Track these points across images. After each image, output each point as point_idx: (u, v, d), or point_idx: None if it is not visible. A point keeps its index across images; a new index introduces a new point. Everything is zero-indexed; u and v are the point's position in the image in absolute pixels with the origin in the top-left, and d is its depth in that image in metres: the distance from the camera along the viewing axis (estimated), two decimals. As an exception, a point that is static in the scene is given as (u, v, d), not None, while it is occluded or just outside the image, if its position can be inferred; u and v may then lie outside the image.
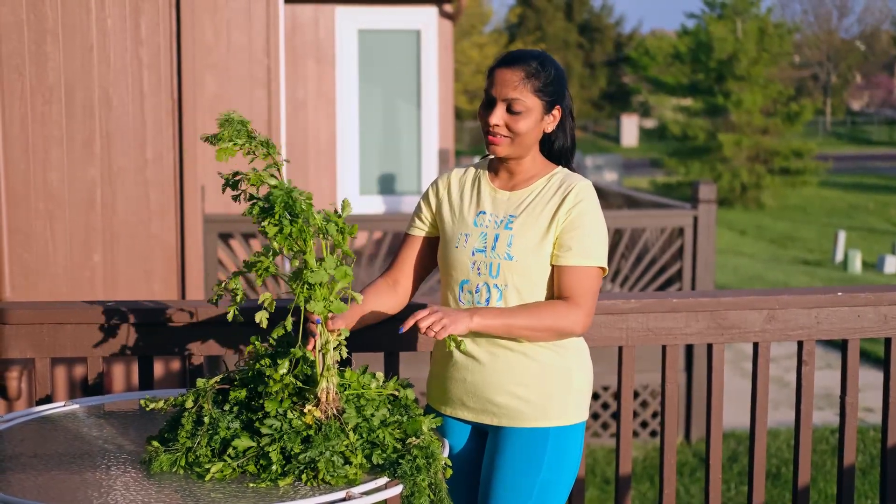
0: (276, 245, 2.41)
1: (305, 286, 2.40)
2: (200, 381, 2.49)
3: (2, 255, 6.00)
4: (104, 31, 6.05)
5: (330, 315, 2.42)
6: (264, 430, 2.35)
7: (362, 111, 11.02)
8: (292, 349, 2.45)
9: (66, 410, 2.86)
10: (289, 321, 2.45)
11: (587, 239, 2.66)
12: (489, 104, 2.69)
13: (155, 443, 2.42)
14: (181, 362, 6.14)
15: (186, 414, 2.43)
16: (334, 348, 2.45)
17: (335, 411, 2.39)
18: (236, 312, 2.51)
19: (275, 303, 2.49)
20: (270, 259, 2.44)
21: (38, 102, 6.00)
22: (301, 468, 2.29)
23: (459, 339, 2.50)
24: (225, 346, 3.16)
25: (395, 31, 11.11)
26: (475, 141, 44.08)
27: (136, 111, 6.13)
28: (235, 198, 2.47)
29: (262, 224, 2.40)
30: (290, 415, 2.36)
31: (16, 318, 3.11)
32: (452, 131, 11.84)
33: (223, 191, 2.49)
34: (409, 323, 2.47)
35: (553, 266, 2.67)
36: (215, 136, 2.46)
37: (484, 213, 2.74)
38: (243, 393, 2.46)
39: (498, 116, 2.67)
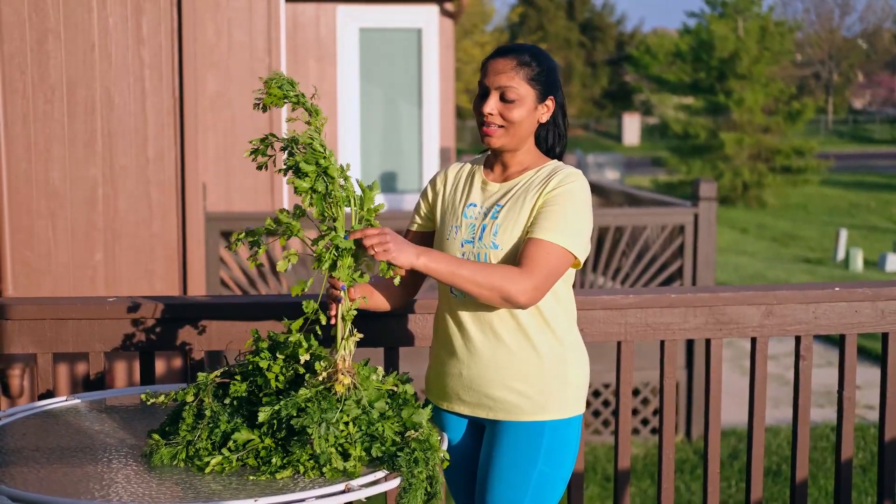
0: (306, 203, 2.43)
1: (333, 251, 2.42)
2: (201, 376, 2.51)
3: (4, 253, 6.02)
4: (106, 29, 6.07)
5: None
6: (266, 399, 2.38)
7: (363, 110, 11.03)
8: (305, 302, 2.48)
9: (68, 405, 2.88)
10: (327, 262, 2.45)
11: (559, 217, 2.62)
12: (483, 95, 2.72)
13: (156, 436, 2.44)
14: (182, 358, 6.15)
15: (187, 408, 2.45)
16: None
17: (353, 381, 2.43)
18: (258, 262, 2.53)
19: (297, 255, 2.49)
20: (297, 220, 2.46)
21: (40, 101, 6.01)
22: (294, 439, 2.31)
23: (398, 269, 2.47)
24: (226, 341, 3.18)
25: (397, 29, 11.12)
26: (477, 140, 44.09)
27: (137, 110, 6.15)
28: (260, 166, 2.49)
29: (295, 180, 2.42)
30: (308, 384, 2.38)
31: (18, 314, 3.13)
32: (454, 130, 11.85)
33: (253, 158, 2.50)
34: (356, 235, 2.44)
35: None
36: (268, 79, 2.47)
37: (474, 205, 2.76)
38: (243, 387, 2.47)
39: (492, 105, 2.68)
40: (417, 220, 2.91)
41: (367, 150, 11.11)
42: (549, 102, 2.75)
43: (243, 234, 2.48)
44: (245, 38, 8.64)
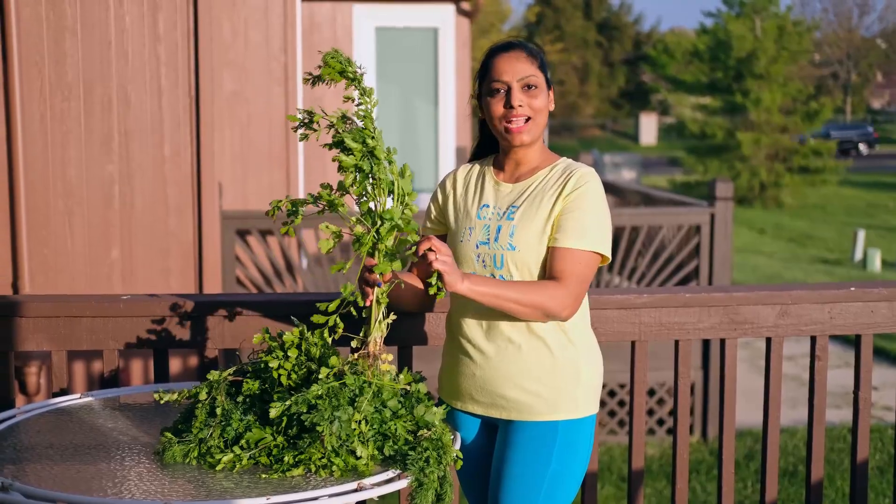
0: (348, 181, 2.44)
1: (374, 234, 2.43)
2: (213, 374, 2.51)
3: (21, 251, 6.05)
4: (122, 28, 6.09)
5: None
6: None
7: (380, 109, 11.02)
8: (344, 286, 2.51)
9: (82, 402, 2.89)
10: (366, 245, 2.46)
11: (583, 221, 2.63)
12: (497, 93, 2.70)
13: (168, 434, 2.44)
14: (197, 356, 6.17)
15: (200, 406, 2.45)
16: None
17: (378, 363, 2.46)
18: (292, 231, 2.53)
19: (341, 235, 2.51)
20: (338, 196, 2.47)
21: (57, 99, 6.04)
22: (305, 436, 2.32)
23: (441, 287, 2.49)
24: (241, 339, 3.18)
25: (413, 28, 11.12)
26: (478, 139, 43.85)
27: (153, 108, 6.17)
28: (304, 137, 2.50)
29: (340, 156, 2.44)
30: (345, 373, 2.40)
31: (33, 311, 3.14)
32: (470, 129, 11.84)
33: (295, 130, 2.51)
34: (424, 246, 2.45)
35: (548, 248, 2.67)
36: (327, 53, 2.49)
37: (487, 206, 2.76)
38: (256, 385, 2.47)
39: (519, 97, 2.68)
40: (429, 224, 2.90)
41: (383, 149, 11.10)
42: (552, 92, 2.77)
43: (283, 201, 2.48)
44: (261, 37, 8.65)
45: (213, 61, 6.38)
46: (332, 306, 2.55)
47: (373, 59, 10.87)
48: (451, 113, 11.28)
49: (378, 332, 2.51)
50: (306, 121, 2.50)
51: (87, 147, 6.09)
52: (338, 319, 2.53)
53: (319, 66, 2.50)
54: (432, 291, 2.49)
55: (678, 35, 56.58)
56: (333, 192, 2.48)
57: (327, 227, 2.48)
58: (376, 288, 2.50)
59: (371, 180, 2.46)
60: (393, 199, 2.49)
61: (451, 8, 11.12)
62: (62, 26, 6.00)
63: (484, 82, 2.75)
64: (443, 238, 2.87)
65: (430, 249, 2.44)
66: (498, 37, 46.57)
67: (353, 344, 2.55)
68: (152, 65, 6.14)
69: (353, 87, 2.51)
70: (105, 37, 6.07)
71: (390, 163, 2.49)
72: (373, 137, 2.45)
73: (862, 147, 46.41)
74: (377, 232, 2.44)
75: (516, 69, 2.69)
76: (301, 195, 8.78)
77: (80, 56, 6.05)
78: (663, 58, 50.28)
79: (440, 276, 2.46)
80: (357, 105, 2.51)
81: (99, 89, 6.10)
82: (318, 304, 2.54)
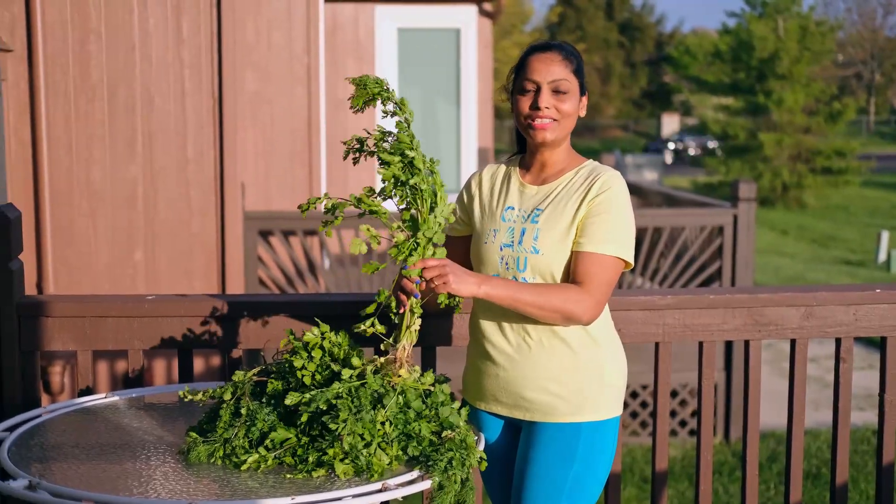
0: (388, 191, 2.45)
1: (412, 243, 2.44)
2: (238, 374, 2.52)
3: (45, 252, 6.08)
4: (146, 30, 6.12)
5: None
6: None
7: (401, 109, 11.03)
8: (379, 291, 2.54)
9: (108, 402, 2.91)
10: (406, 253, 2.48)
11: (607, 226, 2.63)
12: (527, 91, 2.71)
13: (193, 434, 2.45)
14: (220, 356, 6.19)
15: (224, 406, 2.46)
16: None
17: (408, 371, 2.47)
18: (330, 231, 2.56)
19: (379, 242, 2.52)
20: (380, 203, 2.50)
21: (82, 101, 6.07)
22: (325, 435, 2.32)
23: (457, 300, 2.51)
24: (264, 339, 3.19)
25: (435, 29, 11.12)
26: (515, 139, 43.88)
27: (177, 110, 6.19)
28: (356, 161, 2.55)
29: (380, 169, 2.47)
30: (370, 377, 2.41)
31: (58, 311, 3.15)
32: (492, 130, 11.84)
33: (345, 157, 2.56)
34: (417, 266, 2.46)
35: (572, 251, 2.67)
36: (356, 79, 2.52)
37: (511, 208, 2.75)
38: (280, 385, 2.48)
39: (547, 99, 2.68)
40: (455, 226, 2.90)
41: (406, 150, 11.11)
42: (585, 98, 2.76)
43: (322, 199, 2.49)
44: (284, 39, 8.67)
45: (236, 63, 6.40)
46: (370, 310, 2.55)
47: (395, 60, 10.88)
48: (473, 114, 11.28)
49: (408, 339, 2.52)
50: (357, 147, 2.53)
51: (110, 149, 6.12)
52: (376, 322, 2.54)
53: (352, 85, 2.55)
54: (443, 304, 2.52)
55: (700, 35, 56.37)
56: (374, 196, 2.50)
57: (369, 230, 2.48)
58: (411, 299, 2.50)
59: (411, 190, 2.47)
60: (434, 209, 2.49)
61: (473, 9, 11.12)
62: (87, 29, 6.04)
63: (517, 79, 2.75)
64: (467, 239, 2.87)
65: (426, 280, 2.46)
66: (520, 38, 46.57)
67: (382, 347, 2.56)
68: (176, 67, 6.17)
69: (389, 104, 2.52)
70: (129, 39, 6.10)
71: (433, 173, 2.50)
72: (411, 148, 2.46)
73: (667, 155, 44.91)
74: (416, 242, 2.45)
75: (549, 71, 2.69)
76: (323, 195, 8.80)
77: (104, 58, 6.08)
78: (685, 58, 50.12)
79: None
80: (393, 116, 2.53)
81: (123, 91, 6.13)
82: (360, 312, 2.56)
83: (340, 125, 10.33)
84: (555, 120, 2.69)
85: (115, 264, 6.21)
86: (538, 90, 2.69)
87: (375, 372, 2.45)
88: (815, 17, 35.48)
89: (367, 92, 2.50)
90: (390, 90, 2.53)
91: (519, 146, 2.91)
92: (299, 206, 2.53)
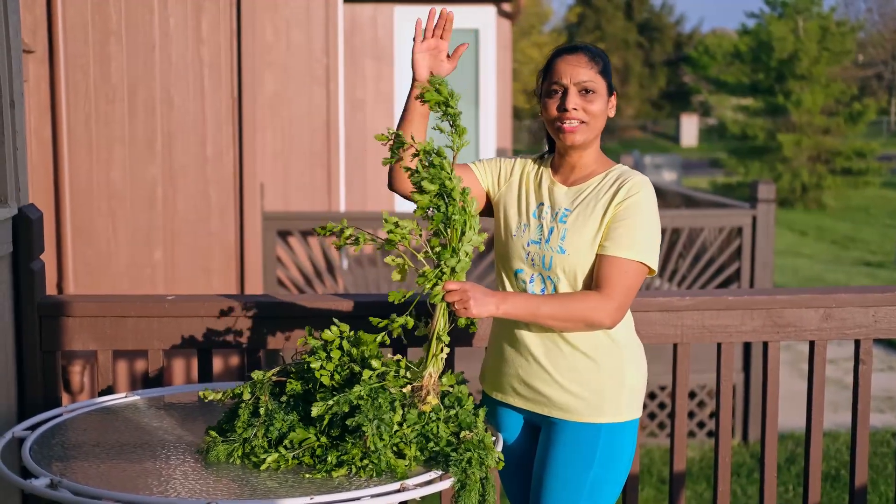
0: (419, 212, 2.48)
1: (439, 272, 2.45)
2: (257, 374, 2.53)
3: (65, 251, 6.12)
4: (166, 30, 6.14)
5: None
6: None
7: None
8: (397, 318, 2.56)
9: (128, 401, 2.92)
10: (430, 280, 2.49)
11: (633, 231, 2.63)
12: (554, 94, 2.71)
13: (213, 433, 2.46)
14: (240, 356, 6.20)
15: (243, 405, 2.47)
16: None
17: (436, 396, 2.47)
18: (355, 253, 2.58)
19: (405, 271, 2.53)
20: (407, 232, 2.51)
21: (102, 102, 6.10)
22: (348, 436, 2.33)
23: (475, 321, 2.52)
24: (282, 339, 3.20)
25: (454, 30, 11.01)
26: (534, 140, 43.98)
27: (196, 110, 6.22)
28: (386, 161, 2.60)
29: (416, 195, 2.48)
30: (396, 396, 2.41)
31: (79, 311, 3.17)
32: (511, 130, 11.83)
33: (387, 162, 2.60)
34: (439, 289, 2.47)
35: (596, 255, 2.67)
36: (434, 78, 2.58)
37: (542, 205, 2.76)
38: (299, 385, 2.49)
39: (574, 101, 2.68)
40: (486, 174, 2.88)
41: (424, 151, 11.11)
42: (613, 98, 2.76)
43: (341, 225, 2.52)
44: (303, 39, 8.69)
45: (255, 63, 6.42)
46: (398, 322, 2.56)
47: (413, 61, 10.87)
48: (492, 114, 11.27)
49: (434, 366, 2.51)
50: (392, 141, 2.54)
51: (130, 149, 6.15)
52: (407, 318, 2.55)
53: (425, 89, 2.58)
54: (462, 325, 2.53)
55: (719, 36, 56.19)
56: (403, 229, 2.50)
57: (393, 260, 2.49)
58: (438, 324, 2.50)
59: (446, 220, 2.47)
60: (462, 240, 2.49)
61: (492, 9, 11.12)
62: (107, 29, 6.07)
63: (544, 82, 2.75)
64: (477, 185, 2.86)
65: (449, 302, 2.47)
66: (539, 38, 46.59)
67: (406, 372, 2.54)
68: (195, 67, 6.19)
69: (448, 120, 2.52)
70: (149, 39, 6.13)
71: (467, 203, 2.50)
72: (450, 179, 2.46)
73: None
74: (442, 272, 2.46)
75: (576, 72, 2.69)
76: (342, 196, 8.81)
77: (124, 58, 6.11)
78: (704, 59, 49.96)
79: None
80: (443, 120, 2.54)
81: (142, 91, 6.15)
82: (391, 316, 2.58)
83: (359, 126, 10.34)
84: (583, 122, 2.69)
85: (134, 264, 6.24)
86: (565, 92, 2.69)
87: (403, 404, 2.44)
88: (835, 17, 35.31)
89: (438, 94, 2.52)
90: (455, 108, 2.53)
91: (549, 146, 2.91)
92: (314, 230, 2.55)
